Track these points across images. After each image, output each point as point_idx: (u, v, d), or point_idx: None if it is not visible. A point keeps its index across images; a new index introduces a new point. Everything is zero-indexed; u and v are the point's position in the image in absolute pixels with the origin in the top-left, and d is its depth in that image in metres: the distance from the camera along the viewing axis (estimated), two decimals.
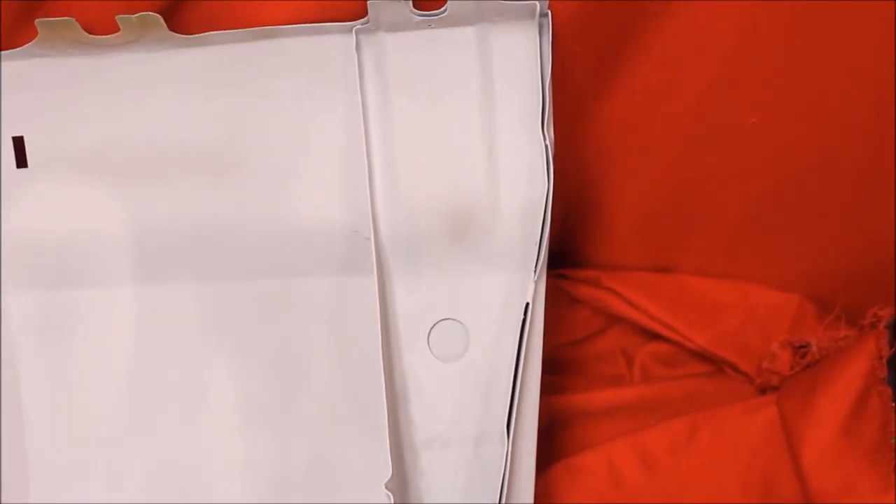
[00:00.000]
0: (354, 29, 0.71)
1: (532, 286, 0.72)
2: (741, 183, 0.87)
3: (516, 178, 0.74)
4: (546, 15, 0.71)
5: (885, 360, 0.80)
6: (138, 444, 0.78)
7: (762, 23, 0.74)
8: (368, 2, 0.69)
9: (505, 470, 0.71)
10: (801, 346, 0.90)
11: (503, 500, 0.71)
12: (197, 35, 0.71)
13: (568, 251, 0.96)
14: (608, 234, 0.94)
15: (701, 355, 0.94)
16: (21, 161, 0.74)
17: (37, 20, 0.68)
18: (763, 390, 0.91)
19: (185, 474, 0.78)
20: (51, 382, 0.77)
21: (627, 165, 0.87)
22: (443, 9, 0.69)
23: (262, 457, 0.78)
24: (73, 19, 0.69)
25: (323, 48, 0.72)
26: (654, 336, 0.96)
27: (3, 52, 0.71)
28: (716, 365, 0.94)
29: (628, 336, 0.97)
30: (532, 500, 0.75)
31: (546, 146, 0.71)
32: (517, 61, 0.72)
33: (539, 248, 0.71)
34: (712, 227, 0.92)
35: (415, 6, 0.69)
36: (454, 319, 0.76)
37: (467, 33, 0.71)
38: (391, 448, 0.71)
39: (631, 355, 0.96)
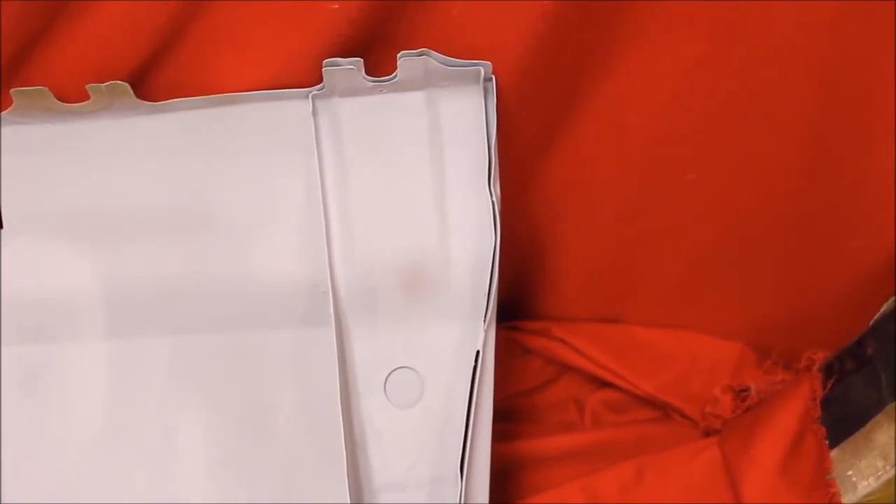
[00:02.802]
0: (311, 95, 0.72)
1: (482, 334, 0.73)
2: (682, 237, 0.88)
3: (466, 234, 0.75)
4: (490, 79, 0.72)
5: (818, 401, 0.81)
6: (111, 493, 0.78)
7: (698, 85, 0.76)
8: (323, 69, 0.70)
9: None
10: (741, 391, 0.90)
11: None
12: (163, 102, 0.72)
13: (520, 304, 0.96)
14: (558, 287, 0.94)
15: (648, 402, 0.95)
16: None
17: (12, 90, 0.70)
18: (707, 433, 0.91)
19: None
20: (25, 435, 0.77)
21: (574, 221, 0.88)
22: (393, 75, 0.71)
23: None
24: (47, 89, 0.70)
25: (282, 113, 0.73)
26: (603, 384, 0.96)
27: None
28: (662, 410, 0.95)
29: (579, 384, 0.97)
30: None
31: (493, 202, 0.73)
32: (464, 123, 0.74)
33: (488, 298, 0.73)
34: (657, 279, 0.93)
35: (367, 73, 0.71)
36: (409, 368, 0.77)
37: (416, 98, 0.73)
38: (350, 492, 0.73)
39: (582, 403, 0.96)
